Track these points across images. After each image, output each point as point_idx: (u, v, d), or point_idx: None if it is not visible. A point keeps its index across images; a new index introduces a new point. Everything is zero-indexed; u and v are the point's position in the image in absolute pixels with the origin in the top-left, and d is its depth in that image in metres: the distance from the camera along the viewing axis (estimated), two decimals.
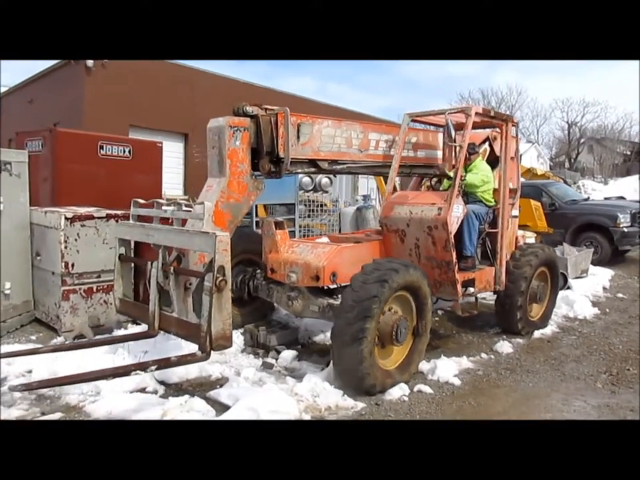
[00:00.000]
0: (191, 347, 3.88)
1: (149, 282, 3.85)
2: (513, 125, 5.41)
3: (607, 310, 6.96)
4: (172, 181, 14.36)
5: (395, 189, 5.31)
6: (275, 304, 5.18)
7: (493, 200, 5.32)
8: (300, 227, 9.64)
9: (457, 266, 4.72)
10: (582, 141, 44.59)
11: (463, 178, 4.95)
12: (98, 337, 4.79)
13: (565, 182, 16.11)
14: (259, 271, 5.10)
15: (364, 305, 3.79)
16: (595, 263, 9.40)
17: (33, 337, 5.20)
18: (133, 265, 4.44)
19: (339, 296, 4.71)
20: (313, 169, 4.79)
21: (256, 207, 8.76)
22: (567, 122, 44.90)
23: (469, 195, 5.16)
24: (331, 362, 4.20)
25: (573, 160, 43.66)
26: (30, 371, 4.08)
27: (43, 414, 3.57)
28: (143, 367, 3.34)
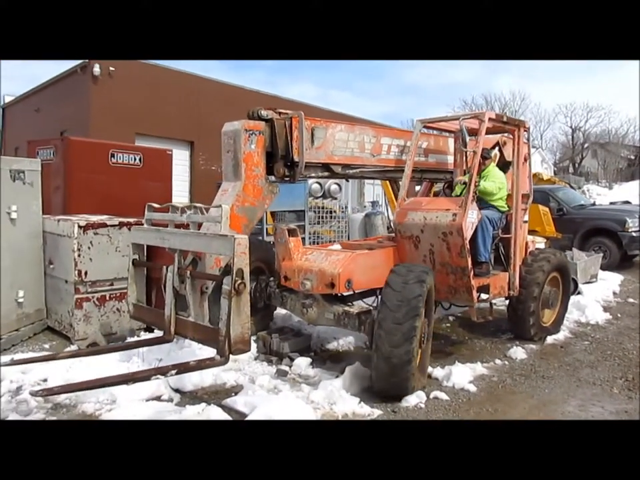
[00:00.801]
0: (205, 354, 3.88)
1: (164, 287, 3.83)
2: (524, 130, 5.42)
3: (619, 315, 6.93)
4: (178, 189, 14.35)
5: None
6: (289, 312, 5.17)
7: (506, 205, 5.31)
8: (309, 233, 9.64)
9: (472, 272, 4.70)
10: (586, 145, 44.52)
11: (477, 184, 4.94)
12: (112, 344, 4.79)
13: (571, 187, 16.09)
14: (272, 278, 5.09)
15: (412, 303, 3.83)
16: (603, 267, 9.38)
17: (46, 346, 5.19)
18: (146, 270, 4.44)
19: (354, 303, 4.70)
20: (326, 173, 4.79)
21: (265, 213, 8.76)
22: (571, 127, 44.90)
23: (481, 201, 5.15)
24: (346, 370, 4.20)
25: (577, 165, 43.59)
26: (45, 380, 4.08)
27: None
28: (162, 371, 3.32)
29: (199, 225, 3.85)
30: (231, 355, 3.27)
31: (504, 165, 5.63)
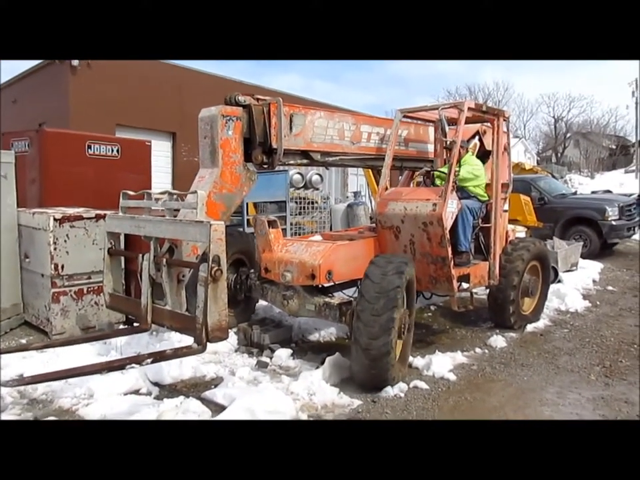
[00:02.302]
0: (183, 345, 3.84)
1: (141, 275, 3.77)
2: (504, 120, 5.42)
3: (598, 303, 7.01)
4: (160, 181, 14.19)
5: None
6: (270, 303, 5.13)
7: (485, 195, 5.33)
8: (291, 224, 9.59)
9: (452, 261, 4.71)
10: (568, 135, 45.04)
11: (456, 173, 4.94)
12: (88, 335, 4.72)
13: (553, 176, 16.24)
14: (252, 270, 5.05)
15: (390, 295, 3.80)
16: (584, 256, 9.50)
17: (23, 341, 5.10)
18: (122, 260, 4.37)
19: (335, 294, 4.69)
20: (305, 161, 4.76)
21: (246, 204, 8.69)
22: (554, 117, 45.39)
23: (461, 191, 5.16)
24: (326, 360, 4.18)
25: (559, 154, 44.06)
26: (21, 375, 3.98)
27: (36, 418, 3.50)
28: (138, 360, 3.26)
29: (176, 212, 3.79)
30: (208, 343, 3.21)
31: (484, 154, 5.64)
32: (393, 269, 3.95)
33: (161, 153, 14.36)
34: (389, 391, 3.90)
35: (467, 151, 5.41)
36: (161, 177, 14.51)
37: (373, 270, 3.98)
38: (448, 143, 4.76)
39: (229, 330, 3.73)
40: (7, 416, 3.50)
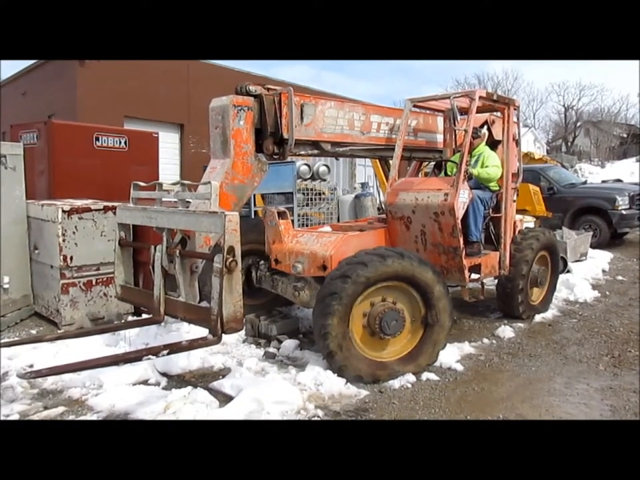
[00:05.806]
0: (193, 337, 3.84)
1: (153, 267, 3.76)
2: (514, 109, 5.35)
3: (607, 293, 6.96)
4: (168, 172, 14.23)
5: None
6: (281, 295, 5.12)
7: (497, 185, 5.28)
8: (298, 215, 9.55)
9: (464, 252, 4.67)
10: (578, 124, 44.55)
11: (468, 163, 4.89)
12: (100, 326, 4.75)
13: (563, 166, 16.09)
14: (262, 261, 5.03)
15: (325, 302, 3.80)
16: (593, 246, 9.42)
17: (33, 331, 5.17)
18: (133, 254, 4.37)
19: None
20: (316, 151, 4.72)
21: (254, 196, 8.67)
22: (564, 105, 44.91)
23: (472, 180, 5.12)
24: None
25: (569, 143, 43.62)
26: (31, 365, 4.04)
27: (46, 408, 3.54)
28: (154, 351, 3.23)
29: (187, 203, 3.78)
30: (223, 335, 3.21)
31: (492, 144, 5.59)
32: (340, 273, 3.85)
33: (168, 144, 14.39)
34: (396, 382, 3.91)
35: (482, 140, 5.35)
36: (169, 169, 14.55)
37: (331, 273, 3.98)
38: (461, 133, 4.70)
39: None
40: (17, 406, 3.54)
